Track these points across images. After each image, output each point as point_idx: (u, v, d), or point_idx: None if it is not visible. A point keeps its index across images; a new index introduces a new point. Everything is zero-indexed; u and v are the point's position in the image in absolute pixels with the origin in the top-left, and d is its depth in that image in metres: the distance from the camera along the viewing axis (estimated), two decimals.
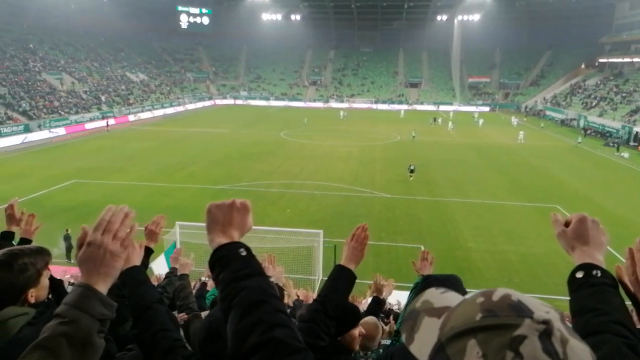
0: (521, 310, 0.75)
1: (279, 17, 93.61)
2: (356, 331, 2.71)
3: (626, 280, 1.54)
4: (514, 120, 58.41)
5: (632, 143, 45.07)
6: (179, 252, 5.40)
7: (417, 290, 3.62)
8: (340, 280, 2.16)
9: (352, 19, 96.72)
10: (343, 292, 2.09)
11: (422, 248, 17.72)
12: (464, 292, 1.57)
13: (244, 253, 1.34)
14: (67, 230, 16.59)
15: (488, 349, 0.72)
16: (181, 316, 3.59)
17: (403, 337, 0.89)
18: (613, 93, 60.95)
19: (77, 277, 9.85)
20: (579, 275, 1.47)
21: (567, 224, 1.59)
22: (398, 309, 10.50)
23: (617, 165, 35.70)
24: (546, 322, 0.72)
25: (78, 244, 1.31)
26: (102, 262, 1.26)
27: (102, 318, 1.22)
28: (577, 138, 46.57)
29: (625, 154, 39.00)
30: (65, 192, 24.84)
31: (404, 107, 74.89)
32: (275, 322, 1.16)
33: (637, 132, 45.81)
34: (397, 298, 10.96)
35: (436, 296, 0.90)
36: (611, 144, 44.22)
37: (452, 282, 1.58)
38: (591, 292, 1.43)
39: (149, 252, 3.19)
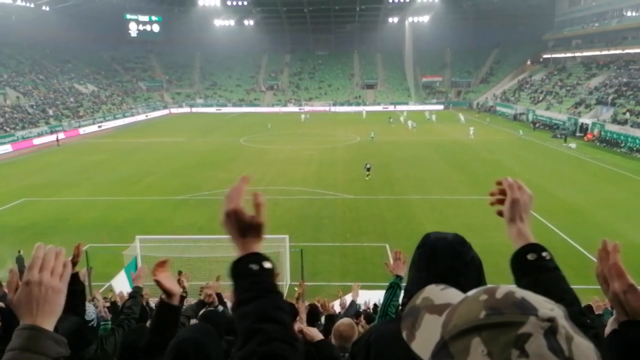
0: (526, 308, 0.74)
1: (232, 22, 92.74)
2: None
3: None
4: (461, 117, 60.43)
5: (578, 134, 47.45)
6: (143, 271, 5.24)
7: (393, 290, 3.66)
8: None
9: (306, 23, 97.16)
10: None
11: (388, 247, 17.99)
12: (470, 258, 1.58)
13: (255, 267, 1.30)
14: (19, 252, 15.77)
15: (493, 347, 0.71)
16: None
17: (404, 334, 0.88)
18: (558, 87, 63.99)
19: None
20: (531, 257, 1.47)
21: (500, 192, 1.62)
22: (367, 308, 10.57)
23: (565, 156, 37.46)
24: (551, 320, 0.72)
25: (11, 288, 1.21)
26: (45, 300, 1.19)
27: (58, 356, 1.15)
28: (519, 131, 48.75)
29: (573, 145, 41.00)
30: (16, 212, 23.62)
31: (365, 108, 75.92)
32: (267, 353, 1.13)
33: (582, 124, 48.28)
34: (364, 298, 11.04)
35: (436, 293, 0.89)
36: (559, 136, 46.37)
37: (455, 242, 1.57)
38: (548, 278, 1.44)
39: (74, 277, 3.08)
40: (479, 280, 1.57)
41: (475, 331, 0.74)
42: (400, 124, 58.54)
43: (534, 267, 1.45)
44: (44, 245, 1.28)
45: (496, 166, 32.90)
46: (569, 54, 71.71)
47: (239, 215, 1.38)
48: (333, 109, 79.77)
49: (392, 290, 3.62)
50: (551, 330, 0.71)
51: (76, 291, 3.06)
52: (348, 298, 11.00)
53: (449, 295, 0.89)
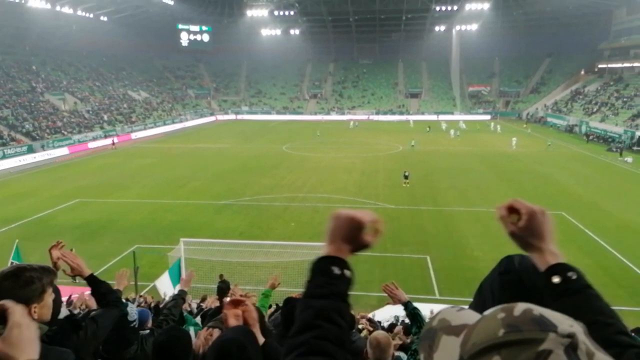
0: (545, 324, 0.73)
1: (278, 32, 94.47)
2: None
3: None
4: (497, 127, 60.44)
5: (635, 148, 44.94)
6: (192, 277, 5.46)
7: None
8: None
9: (351, 32, 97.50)
10: None
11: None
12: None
13: (336, 271, 1.31)
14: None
15: None
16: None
17: (422, 357, 0.87)
18: (614, 98, 60.95)
19: (81, 297, 9.80)
20: (557, 280, 1.34)
21: (511, 209, 1.41)
22: (395, 322, 10.37)
23: (621, 170, 35.54)
24: (571, 336, 0.71)
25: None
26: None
27: None
28: (546, 141, 46.84)
29: (629, 159, 38.84)
30: (70, 212, 24.87)
31: (411, 117, 75.35)
32: (316, 348, 1.16)
33: (639, 137, 45.69)
34: (398, 312, 10.82)
35: (453, 314, 0.88)
36: (614, 149, 44.09)
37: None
38: (578, 300, 1.32)
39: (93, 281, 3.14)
40: None
41: (495, 349, 0.73)
42: (442, 132, 57.62)
43: (561, 291, 1.33)
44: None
45: (546, 179, 31.61)
46: (627, 64, 68.18)
47: (360, 226, 1.38)
48: (373, 117, 79.08)
49: (414, 318, 3.95)
50: (572, 346, 0.70)
51: (100, 292, 3.09)
52: (389, 307, 10.84)
53: (466, 316, 0.87)
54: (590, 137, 52.02)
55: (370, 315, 10.84)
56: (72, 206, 25.90)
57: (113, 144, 50.01)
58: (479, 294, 1.50)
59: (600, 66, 75.41)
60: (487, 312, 0.82)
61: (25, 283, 1.97)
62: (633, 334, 1.26)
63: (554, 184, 30.39)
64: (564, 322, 0.74)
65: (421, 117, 77.01)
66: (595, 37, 76.72)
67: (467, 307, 0.89)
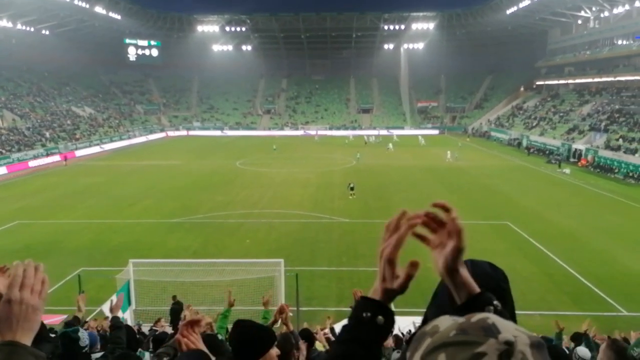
0: (489, 331, 0.79)
1: (230, 47, 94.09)
2: (273, 352, 2.71)
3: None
4: (421, 139, 64.86)
5: (572, 159, 47.86)
6: (121, 300, 5.30)
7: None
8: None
9: (303, 49, 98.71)
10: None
11: None
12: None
13: (366, 315, 1.26)
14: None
15: None
16: None
17: (407, 356, 0.91)
18: (551, 113, 64.84)
19: None
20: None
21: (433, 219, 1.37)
22: None
23: (560, 181, 37.68)
24: (509, 344, 0.76)
25: None
26: (24, 317, 1.26)
27: None
28: (457, 143, 49.21)
29: (567, 170, 41.29)
30: (8, 235, 23.37)
31: (374, 132, 76.90)
32: None
33: (575, 149, 48.74)
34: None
35: (446, 321, 0.91)
36: (553, 161, 46.74)
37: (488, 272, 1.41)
38: None
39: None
40: (513, 319, 1.41)
41: (443, 348, 0.80)
42: (378, 145, 59.34)
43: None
44: (22, 263, 1.34)
45: (491, 191, 33.01)
46: (562, 81, 72.98)
47: (390, 265, 1.33)
48: (321, 132, 78.40)
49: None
50: (506, 353, 0.75)
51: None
52: (338, 327, 10.88)
53: (458, 320, 0.90)
54: (531, 150, 54.94)
55: (331, 326, 10.79)
56: (11, 229, 24.36)
57: (65, 159, 49.02)
58: (435, 300, 1.53)
59: (538, 83, 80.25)
60: (456, 318, 0.88)
61: None
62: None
63: (498, 195, 31.77)
64: (509, 331, 0.79)
65: (361, 132, 78.65)
66: (533, 55, 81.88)
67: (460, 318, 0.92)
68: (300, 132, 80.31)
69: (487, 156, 52.24)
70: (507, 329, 0.80)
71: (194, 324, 2.28)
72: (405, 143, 63.81)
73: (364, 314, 1.24)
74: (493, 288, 1.36)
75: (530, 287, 16.32)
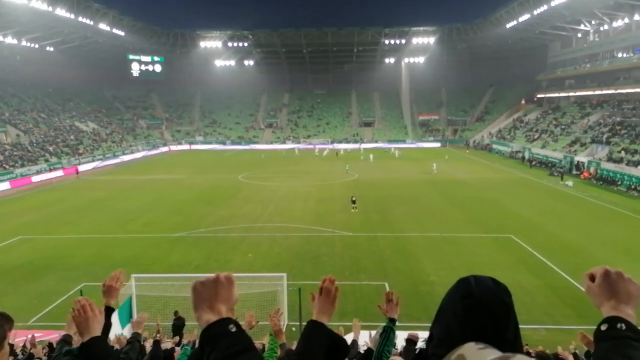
0: None
1: (232, 62, 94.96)
2: None
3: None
4: (397, 152, 66.23)
5: (574, 172, 47.79)
6: (144, 318, 5.24)
7: (387, 334, 3.48)
8: (313, 336, 1.97)
9: (305, 63, 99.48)
10: (317, 347, 1.88)
11: (387, 285, 17.75)
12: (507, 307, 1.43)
13: (233, 329, 1.32)
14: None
15: None
16: None
17: None
18: (553, 126, 64.93)
19: (32, 340, 9.13)
20: (603, 328, 1.44)
21: (592, 278, 1.55)
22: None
23: (562, 194, 37.58)
24: None
25: None
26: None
27: None
28: (444, 157, 49.14)
29: (570, 183, 41.19)
30: (11, 250, 23.37)
31: (380, 145, 77.34)
32: None
33: (578, 162, 48.70)
34: (363, 339, 10.78)
35: (473, 352, 0.89)
36: (555, 174, 46.67)
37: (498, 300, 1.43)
38: (612, 344, 1.41)
39: (109, 312, 2.97)
40: (516, 334, 1.43)
41: None
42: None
43: (602, 337, 1.43)
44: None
45: (494, 204, 32.93)
46: (563, 94, 73.21)
47: (207, 285, 1.44)
48: (319, 146, 77.50)
49: (385, 334, 3.47)
50: None
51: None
52: (349, 337, 10.77)
53: (485, 355, 0.89)
54: (533, 163, 54.90)
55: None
56: (13, 244, 24.37)
57: (77, 172, 51.22)
58: (441, 317, 1.53)
59: (539, 96, 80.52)
60: (494, 356, 0.85)
61: None
62: None
63: (501, 208, 31.68)
64: None
65: (373, 145, 78.82)
66: (533, 69, 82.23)
67: (489, 347, 0.90)
68: (301, 146, 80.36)
69: (488, 169, 52.22)
70: None
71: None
72: (381, 156, 64.04)
73: (219, 330, 1.33)
74: (496, 303, 1.40)
75: (534, 301, 16.18)
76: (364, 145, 77.11)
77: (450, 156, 63.59)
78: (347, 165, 50.76)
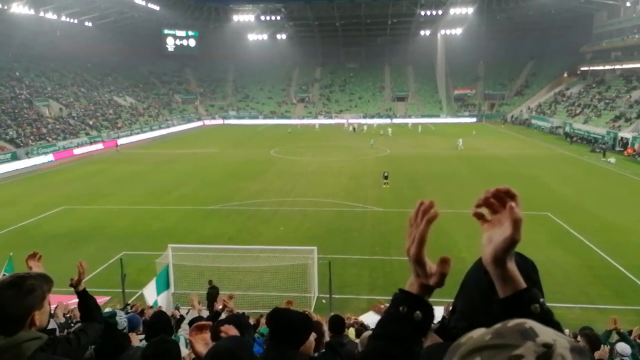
0: (527, 334, 0.76)
1: (265, 37, 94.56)
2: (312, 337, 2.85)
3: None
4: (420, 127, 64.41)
5: (617, 148, 45.75)
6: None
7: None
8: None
9: (337, 36, 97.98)
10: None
11: None
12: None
13: (402, 310, 1.26)
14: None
15: None
16: None
17: None
18: (596, 100, 62.03)
19: (67, 306, 9.66)
20: (535, 311, 1.15)
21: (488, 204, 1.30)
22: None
23: (604, 171, 36.13)
24: (548, 346, 0.73)
25: None
26: None
27: None
28: (458, 141, 48.05)
29: (612, 159, 39.50)
30: (55, 219, 24.52)
31: (412, 120, 76.00)
32: None
33: (622, 138, 46.55)
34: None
35: (480, 331, 0.88)
36: (597, 150, 44.83)
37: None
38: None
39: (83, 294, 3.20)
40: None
41: (477, 351, 0.78)
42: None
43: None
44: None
45: (531, 181, 32.00)
46: (608, 67, 69.53)
47: (419, 264, 1.30)
48: (352, 121, 76.26)
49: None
50: (545, 355, 0.72)
51: (87, 307, 3.18)
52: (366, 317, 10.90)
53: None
54: (574, 139, 52.85)
55: (360, 318, 10.85)
56: (57, 214, 25.54)
57: (116, 145, 53.01)
58: (464, 291, 1.51)
59: (582, 69, 76.77)
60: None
61: (27, 291, 2.05)
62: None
63: (538, 185, 30.76)
64: (548, 335, 0.76)
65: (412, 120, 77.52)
66: (577, 40, 78.13)
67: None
68: (334, 121, 79.94)
69: (526, 144, 50.61)
70: (545, 332, 0.77)
71: (202, 328, 2.53)
72: (400, 132, 62.68)
73: (401, 308, 1.20)
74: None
75: (569, 280, 15.83)
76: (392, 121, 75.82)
77: (482, 131, 61.93)
78: (372, 140, 50.77)
